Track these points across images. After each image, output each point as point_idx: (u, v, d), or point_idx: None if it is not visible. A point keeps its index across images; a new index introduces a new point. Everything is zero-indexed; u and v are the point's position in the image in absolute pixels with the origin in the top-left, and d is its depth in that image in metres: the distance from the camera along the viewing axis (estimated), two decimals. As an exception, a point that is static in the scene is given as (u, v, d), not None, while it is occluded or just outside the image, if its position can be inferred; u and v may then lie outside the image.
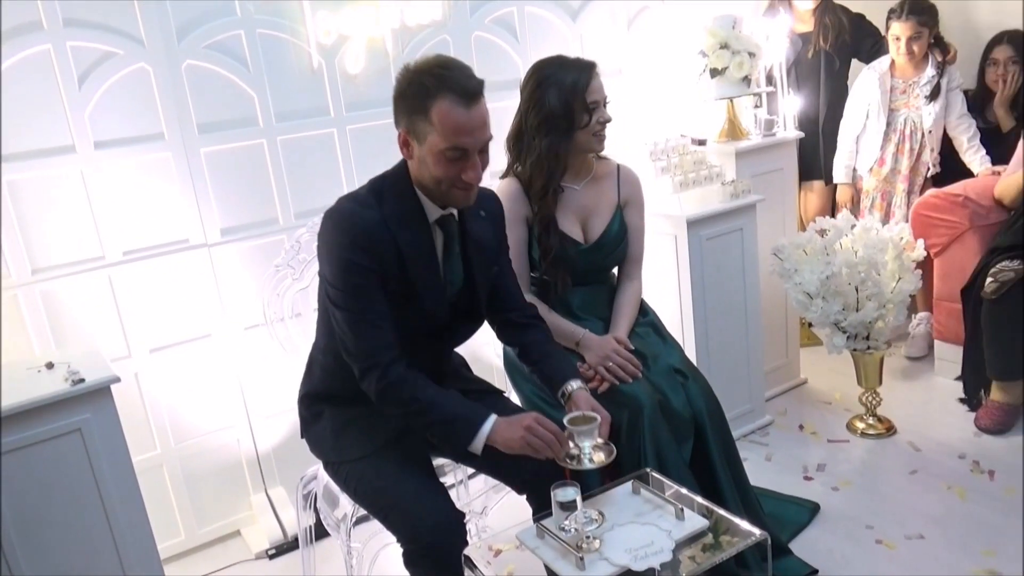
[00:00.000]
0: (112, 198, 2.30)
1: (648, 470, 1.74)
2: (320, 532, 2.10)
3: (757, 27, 3.04)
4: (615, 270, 2.23)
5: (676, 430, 1.96)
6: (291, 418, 2.49)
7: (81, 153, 2.23)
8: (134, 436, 2.40)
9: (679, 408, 1.98)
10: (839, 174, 3.41)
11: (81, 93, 2.21)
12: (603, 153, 2.17)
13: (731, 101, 2.98)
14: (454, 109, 1.51)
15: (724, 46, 2.82)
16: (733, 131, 2.98)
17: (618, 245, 2.15)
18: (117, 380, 1.74)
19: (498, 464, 1.80)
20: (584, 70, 2.02)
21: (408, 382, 1.60)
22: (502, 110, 2.84)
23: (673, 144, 2.83)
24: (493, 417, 1.59)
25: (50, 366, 1.82)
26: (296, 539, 2.45)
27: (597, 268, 2.17)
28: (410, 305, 1.64)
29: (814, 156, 3.48)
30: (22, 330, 2.22)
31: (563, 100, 2.01)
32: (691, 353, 2.68)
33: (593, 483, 1.86)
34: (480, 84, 1.55)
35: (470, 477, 2.34)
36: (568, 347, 2.07)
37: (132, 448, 2.38)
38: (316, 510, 2.03)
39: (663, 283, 2.71)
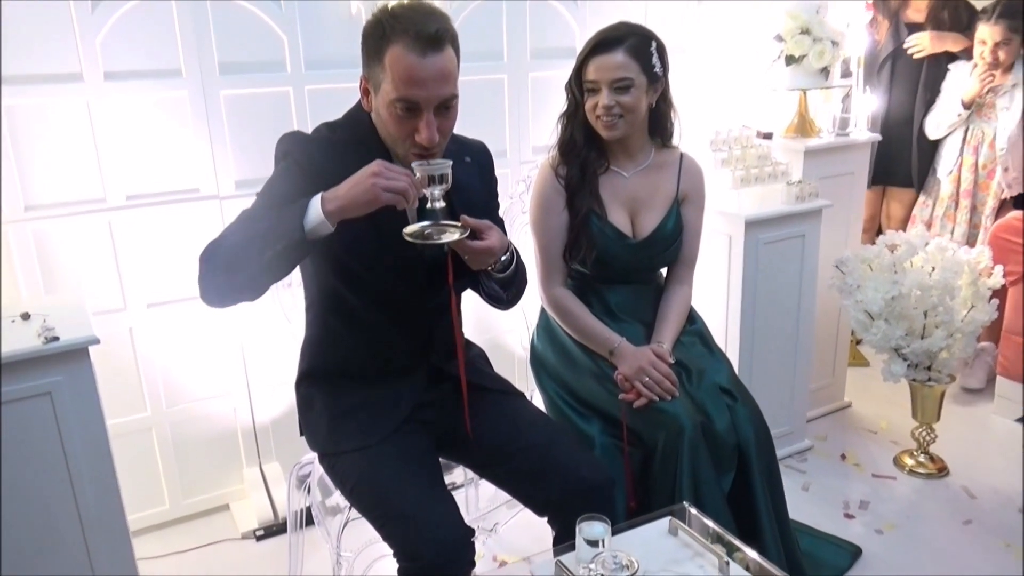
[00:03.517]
0: (119, 136, 2.09)
1: (686, 505, 1.52)
2: (313, 518, 1.91)
3: (841, 13, 2.75)
4: (663, 270, 2.00)
5: (718, 458, 1.74)
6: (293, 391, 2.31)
7: (89, 82, 2.03)
8: (123, 395, 2.25)
9: (723, 433, 1.75)
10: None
11: (94, 17, 2.00)
12: (674, 140, 1.93)
13: (804, 93, 2.71)
14: (406, 55, 1.34)
15: (805, 31, 2.55)
16: (803, 127, 2.71)
17: (671, 244, 1.91)
18: (95, 341, 1.54)
19: (517, 479, 1.59)
20: (592, 45, 1.79)
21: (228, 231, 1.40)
22: (555, 80, 2.61)
23: (736, 135, 2.58)
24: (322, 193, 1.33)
25: (26, 317, 1.62)
26: (287, 522, 2.28)
27: (644, 267, 1.94)
28: (377, 239, 1.46)
29: (901, 160, 3.19)
30: (9, 271, 2.03)
31: (570, 78, 1.85)
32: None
33: (620, 515, 1.65)
34: (442, 32, 1.36)
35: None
36: (601, 355, 1.85)
37: (120, 408, 2.25)
38: (310, 494, 1.84)
39: (711, 285, 2.47)
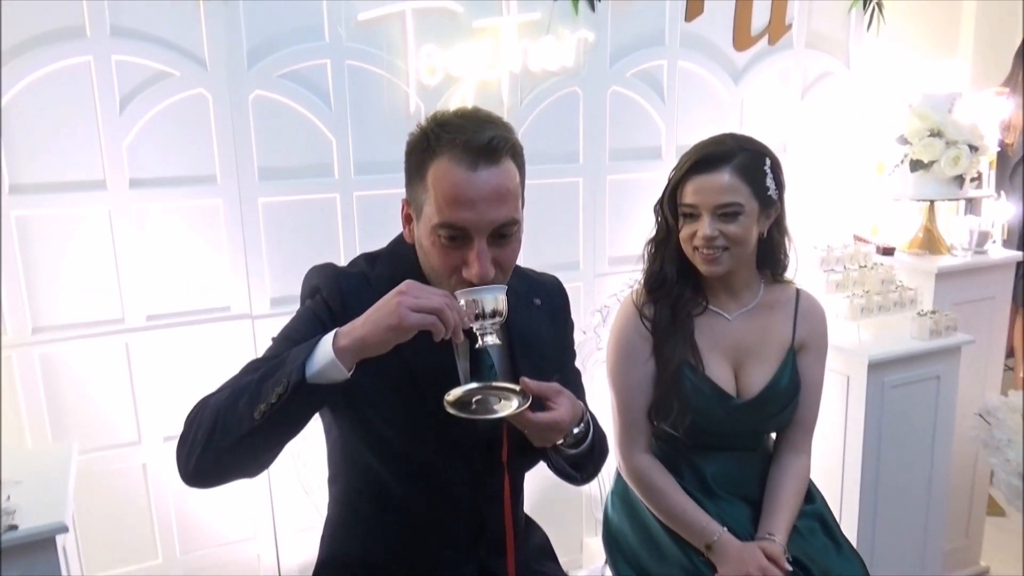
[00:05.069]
0: (142, 248, 1.86)
1: None
2: None
3: (970, 105, 2.35)
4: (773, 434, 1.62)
5: None
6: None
7: (112, 191, 1.81)
8: (133, 541, 1.96)
9: (859, 667, 1.33)
10: None
11: (122, 119, 1.79)
12: (787, 275, 1.57)
13: (931, 204, 2.31)
14: (452, 170, 1.08)
15: (936, 134, 2.17)
16: (930, 242, 2.31)
17: (785, 405, 1.53)
18: (64, 530, 1.25)
19: None
20: (691, 162, 1.45)
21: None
22: (635, 183, 2.31)
23: (851, 251, 2.19)
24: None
25: (-6, 485, 1.35)
26: None
27: (750, 433, 1.56)
28: (417, 403, 1.16)
29: None
30: (13, 401, 1.79)
31: (661, 198, 1.52)
32: (851, 530, 2.01)
33: None
34: (499, 141, 1.08)
35: None
36: (695, 547, 1.46)
37: (128, 556, 1.95)
38: None
39: (823, 432, 2.04)
